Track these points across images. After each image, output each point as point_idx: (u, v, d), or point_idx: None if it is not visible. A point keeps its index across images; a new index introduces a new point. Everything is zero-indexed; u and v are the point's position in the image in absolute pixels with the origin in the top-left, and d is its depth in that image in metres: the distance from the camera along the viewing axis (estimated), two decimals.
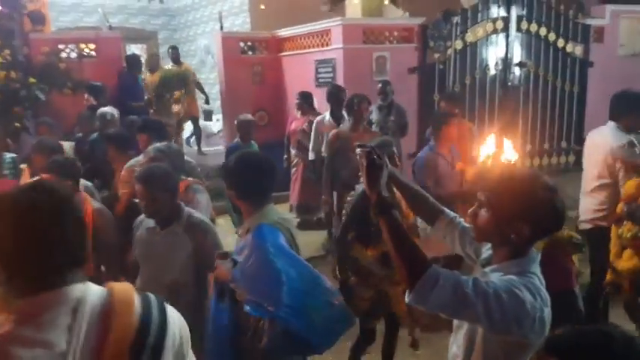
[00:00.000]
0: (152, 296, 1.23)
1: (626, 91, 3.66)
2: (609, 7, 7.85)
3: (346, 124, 4.78)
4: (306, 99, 6.06)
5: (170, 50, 8.17)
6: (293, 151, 6.17)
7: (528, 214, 1.48)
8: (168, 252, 2.51)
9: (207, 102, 8.68)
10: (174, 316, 1.24)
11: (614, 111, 3.54)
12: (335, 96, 5.34)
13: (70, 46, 7.10)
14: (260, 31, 8.52)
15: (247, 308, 2.05)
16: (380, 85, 5.88)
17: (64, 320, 1.10)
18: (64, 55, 6.94)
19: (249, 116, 5.47)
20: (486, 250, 1.67)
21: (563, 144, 7.77)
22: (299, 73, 7.46)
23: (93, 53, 7.25)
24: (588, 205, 3.62)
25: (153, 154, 3.15)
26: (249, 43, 7.98)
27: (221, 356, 2.24)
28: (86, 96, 6.11)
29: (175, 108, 7.79)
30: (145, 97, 7.36)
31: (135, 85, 7.19)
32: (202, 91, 8.39)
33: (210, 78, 10.98)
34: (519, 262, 1.51)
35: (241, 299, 2.11)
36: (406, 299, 1.42)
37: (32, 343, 1.06)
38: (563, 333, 1.36)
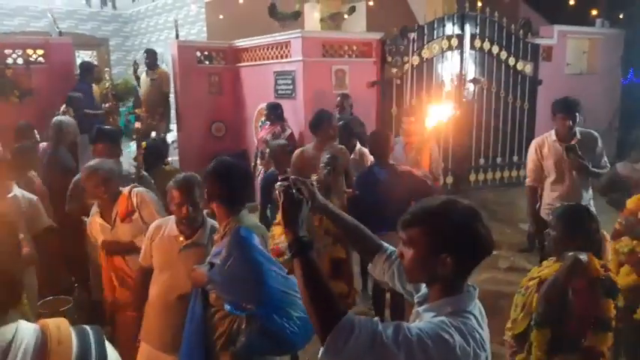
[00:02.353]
0: (90, 330, 1.14)
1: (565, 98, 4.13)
2: (557, 28, 8.21)
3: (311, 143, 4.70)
4: (274, 109, 6.07)
5: (145, 54, 7.85)
6: (258, 161, 6.13)
7: (448, 244, 1.38)
8: (190, 261, 2.46)
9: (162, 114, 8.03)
10: (110, 351, 1.16)
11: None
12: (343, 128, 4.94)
13: (16, 51, 6.77)
14: (216, 40, 8.40)
15: (227, 307, 2.09)
16: (338, 98, 5.91)
17: None
18: (10, 61, 6.60)
19: (283, 141, 4.81)
20: (424, 287, 1.55)
21: (515, 158, 8.02)
22: (258, 85, 7.39)
23: (41, 60, 6.93)
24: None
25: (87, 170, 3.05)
26: (205, 53, 7.85)
27: (192, 357, 2.27)
28: (63, 107, 5.78)
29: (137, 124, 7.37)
30: (106, 105, 7.12)
31: (90, 93, 6.93)
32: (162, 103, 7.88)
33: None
34: (454, 301, 1.40)
35: (215, 303, 2.14)
36: (320, 354, 1.27)
37: None
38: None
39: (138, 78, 8.15)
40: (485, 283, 5.11)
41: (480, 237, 1.40)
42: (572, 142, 3.95)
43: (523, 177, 7.95)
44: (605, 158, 4.18)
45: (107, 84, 7.18)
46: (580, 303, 2.18)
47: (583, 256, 2.20)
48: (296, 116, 6.54)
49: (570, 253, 2.21)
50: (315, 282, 1.34)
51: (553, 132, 4.17)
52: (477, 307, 1.44)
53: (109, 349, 1.16)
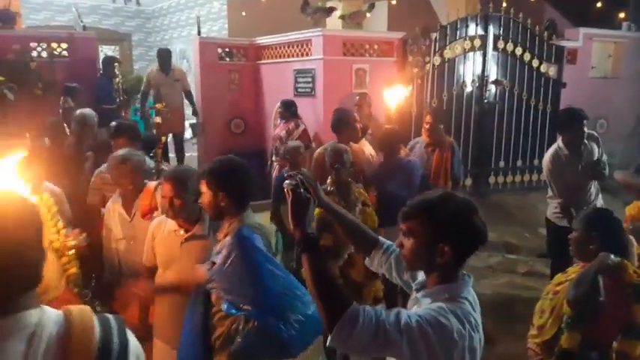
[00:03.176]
0: (112, 319, 1.16)
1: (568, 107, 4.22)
2: (582, 30, 8.07)
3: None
4: (288, 107, 6.06)
5: (157, 54, 7.42)
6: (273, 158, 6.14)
7: (446, 234, 1.48)
8: (193, 254, 2.45)
9: (194, 113, 7.67)
10: (132, 339, 1.18)
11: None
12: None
13: (41, 45, 6.87)
14: (238, 37, 8.43)
15: (224, 307, 2.08)
16: (357, 97, 5.88)
17: (18, 348, 1.03)
18: (34, 54, 6.70)
19: (298, 142, 4.69)
20: (421, 275, 1.67)
21: (536, 162, 7.90)
22: (277, 82, 7.40)
23: (65, 53, 7.02)
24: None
25: (116, 159, 3.04)
26: (227, 50, 7.88)
27: (190, 357, 2.25)
28: (62, 98, 5.88)
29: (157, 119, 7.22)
30: (117, 100, 7.14)
31: (109, 87, 7.00)
32: (190, 100, 7.58)
33: None
34: (449, 287, 1.51)
35: (216, 303, 2.13)
36: (327, 342, 1.37)
37: None
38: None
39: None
40: (504, 287, 5.05)
41: (476, 228, 1.51)
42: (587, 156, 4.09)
43: (544, 181, 7.86)
44: (605, 157, 4.24)
45: (117, 79, 7.18)
46: (611, 306, 2.14)
47: (613, 257, 2.16)
48: (315, 115, 6.53)
49: (602, 254, 2.20)
50: (322, 276, 1.42)
51: (561, 143, 4.14)
52: (470, 293, 1.54)
53: (131, 336, 1.17)
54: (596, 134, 4.35)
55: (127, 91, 7.82)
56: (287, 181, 1.58)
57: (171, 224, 2.59)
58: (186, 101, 7.59)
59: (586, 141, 4.14)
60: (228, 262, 2.11)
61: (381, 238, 1.85)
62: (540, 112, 7.83)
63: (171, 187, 2.47)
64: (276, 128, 6.58)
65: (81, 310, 1.14)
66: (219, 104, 7.70)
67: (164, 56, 7.36)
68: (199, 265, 2.27)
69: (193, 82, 8.06)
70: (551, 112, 7.89)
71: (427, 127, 4.54)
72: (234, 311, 2.08)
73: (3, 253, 1.04)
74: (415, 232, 1.52)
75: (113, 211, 3.06)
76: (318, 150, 4.50)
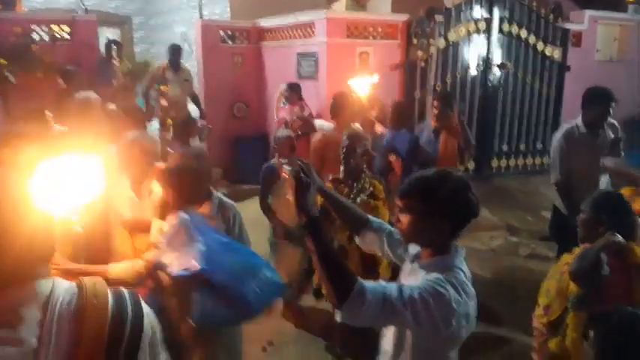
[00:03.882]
0: (125, 291, 1.17)
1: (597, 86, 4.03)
2: (588, 13, 7.99)
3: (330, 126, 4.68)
4: (296, 90, 6.06)
5: (169, 50, 6.95)
6: None
7: (442, 209, 1.58)
8: None
9: (201, 116, 6.95)
10: (148, 311, 1.19)
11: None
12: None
13: (42, 28, 6.82)
14: (240, 20, 8.37)
15: (177, 272, 2.10)
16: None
17: (34, 316, 1.05)
18: (36, 37, 6.66)
19: (288, 132, 4.45)
20: (412, 249, 1.77)
21: (539, 145, 7.89)
22: (280, 65, 7.36)
23: (67, 36, 6.97)
24: None
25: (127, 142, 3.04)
26: (229, 32, 7.82)
27: None
28: (60, 81, 5.86)
29: (163, 102, 6.82)
30: (115, 83, 7.09)
31: (108, 70, 6.96)
32: (196, 104, 7.15)
33: (188, 66, 10.76)
34: (444, 259, 1.61)
35: (167, 285, 2.17)
36: (337, 318, 1.46)
37: (1, 340, 1.02)
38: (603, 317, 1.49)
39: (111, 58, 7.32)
40: (506, 269, 5.07)
41: (470, 203, 1.61)
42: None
43: (547, 164, 7.85)
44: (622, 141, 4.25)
45: (123, 63, 7.09)
46: (616, 286, 2.16)
47: (618, 237, 2.17)
48: (318, 98, 6.50)
49: (608, 233, 2.23)
50: (327, 257, 1.48)
51: (580, 122, 4.07)
52: (463, 264, 1.64)
53: (146, 308, 1.18)
54: (616, 124, 4.27)
55: (135, 75, 7.75)
56: (287, 167, 1.64)
57: None
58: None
59: (605, 125, 4.06)
60: (172, 235, 2.17)
61: (370, 218, 1.94)
62: (544, 96, 7.79)
63: (188, 165, 2.49)
64: (279, 112, 6.57)
65: (93, 281, 1.15)
66: (221, 88, 7.66)
67: (176, 53, 6.93)
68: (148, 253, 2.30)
69: (195, 65, 8.02)
70: (555, 96, 7.85)
71: (435, 112, 4.54)
72: (185, 273, 2.09)
73: (5, 217, 1.05)
74: (413, 208, 1.61)
75: (121, 197, 3.06)
76: (317, 137, 4.48)
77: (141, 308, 1.16)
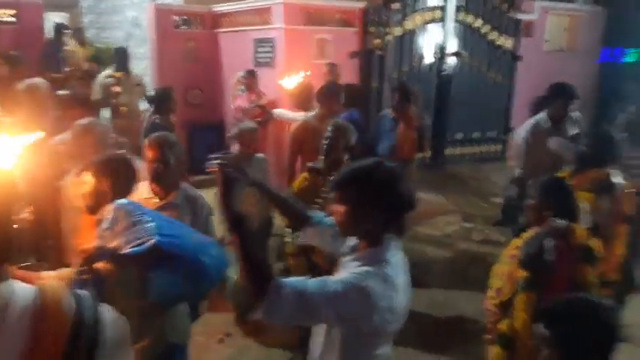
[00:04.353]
0: (85, 294, 1.16)
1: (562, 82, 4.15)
2: (538, 3, 8.19)
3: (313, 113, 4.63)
4: (254, 76, 5.96)
5: (115, 54, 6.56)
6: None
7: (374, 201, 1.57)
8: None
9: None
10: (108, 314, 1.18)
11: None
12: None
13: None
14: (194, 5, 8.16)
15: (131, 250, 2.02)
16: (327, 67, 5.83)
17: None
18: None
19: (252, 124, 4.32)
20: (352, 239, 1.75)
21: (492, 133, 8.09)
22: (237, 52, 7.23)
23: (12, 20, 6.61)
24: None
25: (81, 129, 2.93)
26: (183, 17, 7.62)
27: None
28: (5, 67, 5.55)
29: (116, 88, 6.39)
30: (66, 69, 6.78)
31: (57, 56, 6.66)
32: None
33: (139, 52, 10.44)
34: (376, 251, 1.59)
35: (109, 273, 2.05)
36: (256, 316, 1.46)
37: None
38: (551, 304, 1.52)
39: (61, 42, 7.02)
40: (461, 254, 5.21)
41: (402, 195, 1.60)
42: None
43: (500, 152, 8.09)
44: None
45: (87, 48, 6.74)
46: (562, 267, 2.25)
47: (562, 222, 2.29)
48: (275, 85, 6.42)
49: (551, 218, 2.32)
50: (249, 254, 1.47)
51: (546, 115, 4.21)
52: (395, 256, 1.62)
53: (107, 311, 1.18)
54: (580, 118, 4.44)
55: (100, 60, 7.41)
56: (214, 161, 1.61)
57: (142, 193, 2.54)
58: None
59: (570, 120, 4.22)
60: (114, 222, 2.09)
61: (312, 212, 1.93)
62: (497, 85, 7.98)
63: (158, 152, 2.48)
64: (235, 99, 6.47)
65: (53, 285, 1.14)
66: (175, 74, 7.45)
67: (122, 56, 6.46)
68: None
69: (147, 51, 7.78)
70: (507, 85, 8.05)
71: (394, 102, 4.64)
72: (136, 249, 2.01)
73: None
74: (346, 199, 1.60)
75: (76, 186, 2.96)
76: (297, 123, 4.45)
77: (99, 314, 1.15)
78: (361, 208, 1.58)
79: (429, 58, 7.34)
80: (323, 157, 3.10)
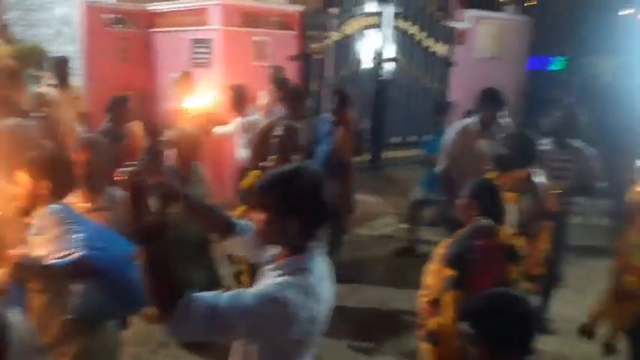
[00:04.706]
0: None
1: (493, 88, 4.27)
2: (470, 12, 8.53)
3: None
4: (190, 79, 5.80)
5: (54, 65, 5.81)
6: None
7: (294, 208, 1.50)
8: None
9: None
10: (16, 320, 1.14)
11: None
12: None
13: None
14: (128, 3, 7.89)
15: (56, 262, 1.94)
16: (271, 70, 5.79)
17: None
18: None
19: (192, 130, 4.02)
20: (274, 248, 1.67)
21: (428, 137, 8.29)
22: (173, 52, 7.05)
23: None
24: None
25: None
26: (116, 16, 7.34)
27: None
28: None
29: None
30: None
31: None
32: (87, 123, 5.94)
33: (68, 51, 9.96)
34: (296, 260, 1.53)
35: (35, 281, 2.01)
36: (166, 333, 1.40)
37: None
38: (473, 302, 1.55)
39: None
40: (400, 254, 5.33)
41: (323, 202, 1.53)
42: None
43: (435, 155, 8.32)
44: None
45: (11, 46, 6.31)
46: (487, 266, 2.32)
47: (486, 221, 2.37)
48: (213, 87, 6.31)
49: (476, 218, 2.40)
50: (158, 269, 1.39)
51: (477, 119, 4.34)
52: (318, 264, 1.55)
53: (13, 317, 1.13)
54: (506, 124, 4.58)
55: (25, 58, 6.96)
56: (125, 169, 1.49)
57: (68, 200, 2.40)
58: None
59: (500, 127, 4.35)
60: (44, 228, 2.04)
61: (237, 221, 1.83)
62: (432, 90, 8.22)
63: (84, 154, 2.42)
64: (170, 101, 6.29)
65: None
66: (107, 75, 7.16)
67: (61, 67, 5.73)
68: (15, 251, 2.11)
69: (77, 50, 7.44)
70: (442, 91, 8.32)
71: (333, 107, 4.67)
72: (61, 262, 1.94)
73: None
74: (266, 205, 1.53)
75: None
76: (264, 126, 4.38)
77: (6, 319, 1.09)
78: (281, 215, 1.50)
79: (367, 63, 7.45)
80: (274, 157, 3.10)
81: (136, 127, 5.01)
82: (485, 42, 8.91)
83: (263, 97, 5.80)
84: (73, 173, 2.26)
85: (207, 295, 1.39)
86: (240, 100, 4.97)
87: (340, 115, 4.66)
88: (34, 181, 2.10)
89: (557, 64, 9.13)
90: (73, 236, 1.97)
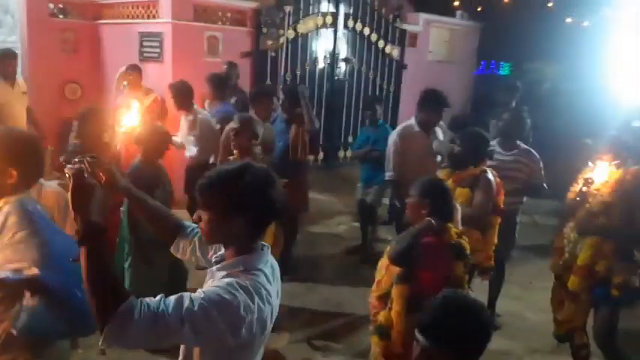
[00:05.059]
0: None
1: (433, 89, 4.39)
2: (423, 16, 8.67)
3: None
4: (137, 72, 5.58)
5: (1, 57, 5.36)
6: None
7: (241, 206, 1.46)
8: None
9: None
10: None
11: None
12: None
13: None
14: None
15: (5, 275, 1.79)
16: (225, 66, 5.67)
17: None
18: None
19: (161, 127, 3.79)
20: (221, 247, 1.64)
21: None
22: (120, 45, 6.80)
23: None
24: None
25: None
26: (60, 6, 7.01)
27: None
28: None
29: None
30: None
31: None
32: (33, 121, 5.67)
33: (9, 41, 9.46)
34: (245, 260, 1.50)
35: None
36: (100, 342, 1.30)
37: None
38: (425, 314, 1.53)
39: None
40: (351, 252, 5.34)
41: (271, 200, 1.49)
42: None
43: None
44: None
45: None
46: (435, 263, 2.37)
47: (434, 221, 2.43)
48: (163, 81, 6.10)
49: (426, 219, 2.45)
50: (99, 270, 1.32)
51: (414, 121, 4.39)
52: (268, 264, 1.54)
53: None
54: (441, 125, 4.66)
55: None
56: (69, 166, 1.44)
57: None
58: None
59: (437, 128, 4.44)
60: (6, 229, 1.85)
61: (185, 223, 1.78)
62: (385, 92, 8.31)
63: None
64: (118, 96, 6.07)
65: None
66: (50, 67, 6.84)
67: (9, 62, 5.38)
68: None
69: (18, 40, 7.06)
70: (394, 92, 8.42)
71: (285, 105, 4.68)
72: (13, 276, 1.80)
73: None
74: (211, 204, 1.48)
75: None
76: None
77: None
78: (227, 213, 1.46)
79: (322, 63, 7.45)
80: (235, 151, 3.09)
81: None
82: (437, 45, 9.09)
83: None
84: (42, 157, 2.04)
85: (151, 299, 1.32)
86: (183, 97, 4.83)
87: (292, 113, 4.63)
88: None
89: (504, 70, 9.43)
90: (34, 246, 1.80)
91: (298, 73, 7.17)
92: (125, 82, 5.91)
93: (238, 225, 1.46)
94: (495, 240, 3.50)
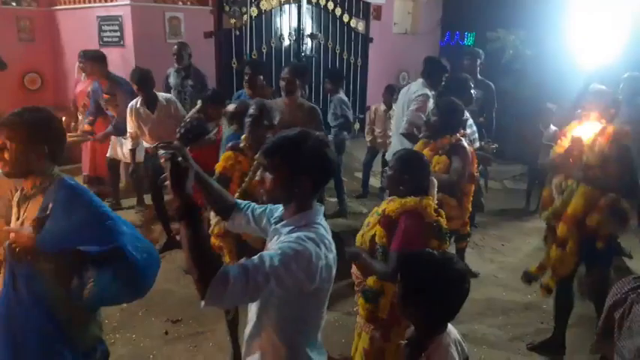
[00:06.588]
0: None
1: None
2: None
3: None
4: (93, 59, 5.36)
5: None
6: (80, 117, 5.53)
7: (304, 168, 1.64)
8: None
9: None
10: None
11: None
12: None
13: None
14: None
15: (89, 248, 1.87)
16: (176, 47, 5.55)
17: None
18: None
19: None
20: (277, 212, 1.84)
21: (349, 113, 8.38)
22: (79, 31, 6.60)
23: None
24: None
25: None
26: None
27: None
28: None
29: None
30: None
31: None
32: None
33: None
34: (306, 215, 1.68)
35: (43, 269, 1.90)
36: (201, 304, 1.45)
37: None
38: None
39: None
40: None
41: (330, 161, 1.70)
42: None
43: (357, 130, 8.44)
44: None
45: None
46: (414, 239, 2.36)
47: (414, 198, 2.45)
48: (125, 66, 5.99)
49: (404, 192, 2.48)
50: (198, 244, 1.47)
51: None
52: (323, 219, 1.73)
53: None
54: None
55: None
56: (162, 151, 1.61)
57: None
58: None
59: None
60: (61, 214, 1.89)
61: (237, 201, 1.98)
62: (352, 66, 8.29)
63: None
64: (78, 82, 5.92)
65: None
66: (7, 57, 6.57)
67: None
68: (20, 228, 1.95)
69: None
70: (362, 66, 8.41)
71: (246, 78, 4.53)
72: (96, 249, 1.86)
73: None
74: (277, 166, 1.66)
75: None
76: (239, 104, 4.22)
77: None
78: (292, 175, 1.64)
79: (287, 40, 7.37)
80: (245, 136, 3.00)
81: None
82: (401, 18, 9.08)
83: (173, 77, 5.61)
84: (66, 135, 2.12)
85: (237, 266, 1.48)
86: (144, 83, 4.74)
87: (254, 88, 4.55)
88: (25, 146, 1.92)
89: (468, 40, 9.48)
90: (109, 222, 1.90)
91: (264, 50, 7.09)
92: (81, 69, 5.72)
93: (300, 185, 1.64)
94: (470, 207, 3.58)
